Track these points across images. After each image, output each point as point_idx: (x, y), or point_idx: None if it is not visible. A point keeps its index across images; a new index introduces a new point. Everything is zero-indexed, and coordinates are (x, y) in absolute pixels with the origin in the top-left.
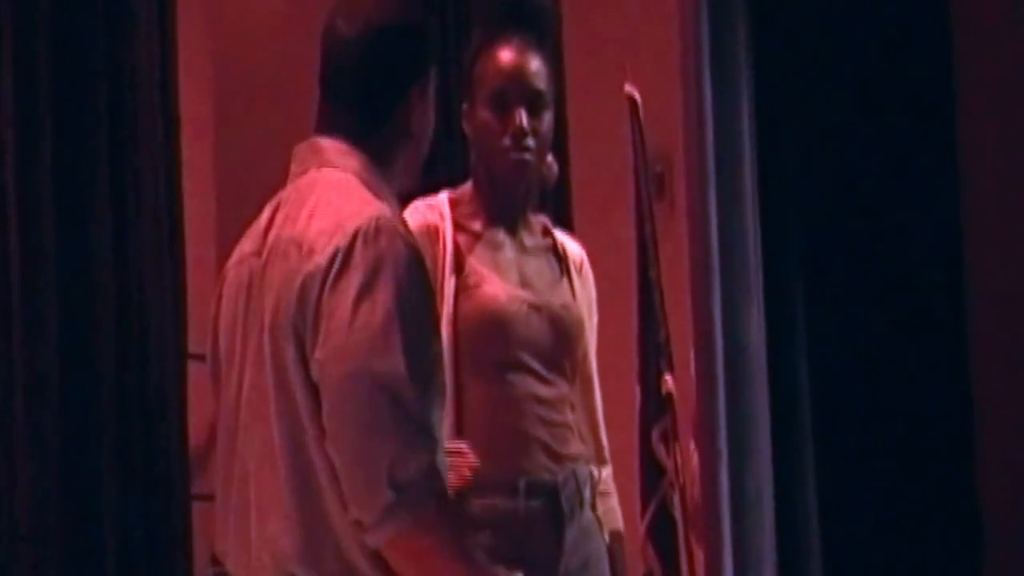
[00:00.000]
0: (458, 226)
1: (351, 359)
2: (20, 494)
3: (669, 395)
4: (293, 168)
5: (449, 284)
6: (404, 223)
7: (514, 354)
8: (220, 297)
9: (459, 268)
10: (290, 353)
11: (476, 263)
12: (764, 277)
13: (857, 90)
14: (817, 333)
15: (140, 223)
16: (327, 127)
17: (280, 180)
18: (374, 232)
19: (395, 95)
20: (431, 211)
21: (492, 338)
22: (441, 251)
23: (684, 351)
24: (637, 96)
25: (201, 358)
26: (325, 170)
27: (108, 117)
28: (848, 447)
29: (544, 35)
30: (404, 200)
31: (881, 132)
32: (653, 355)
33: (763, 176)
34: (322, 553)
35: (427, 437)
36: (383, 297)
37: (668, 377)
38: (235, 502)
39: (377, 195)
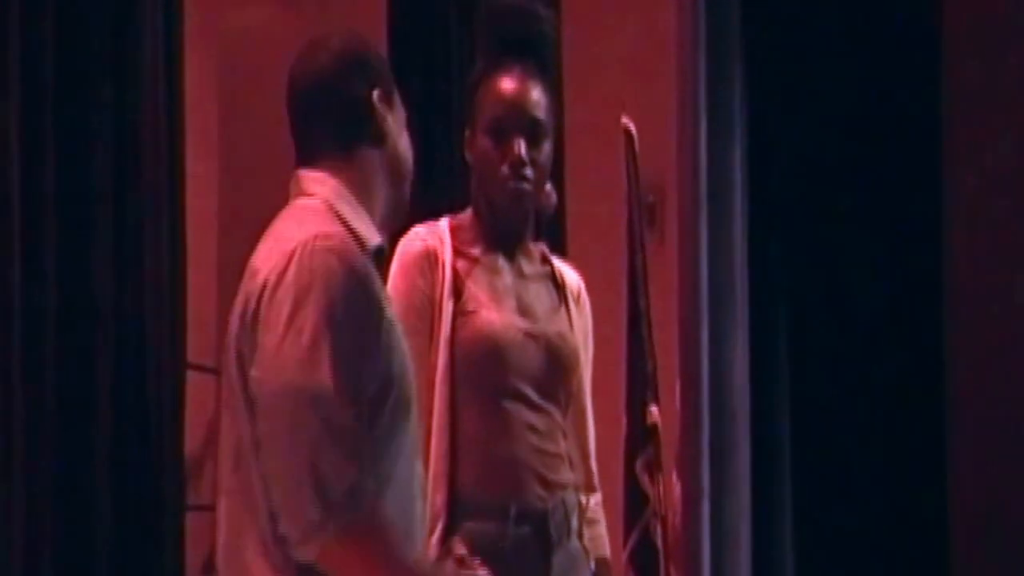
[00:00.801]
0: (457, 251)
1: (280, 376)
2: (16, 502)
3: (654, 426)
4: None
5: (447, 308)
6: (350, 242)
7: (509, 381)
8: None
9: (458, 293)
10: (235, 371)
11: (475, 288)
12: (749, 311)
13: (848, 130)
14: (800, 368)
15: (141, 232)
16: (304, 160)
17: (283, 191)
18: (309, 251)
19: (359, 106)
20: (431, 236)
21: (488, 364)
22: (440, 276)
23: (669, 382)
24: (633, 128)
25: (199, 368)
26: (299, 200)
27: (112, 132)
28: (826, 484)
29: (545, 65)
30: (405, 227)
31: (871, 172)
32: (640, 385)
33: (752, 212)
34: (252, 567)
35: (355, 454)
36: (312, 314)
37: (654, 408)
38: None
39: (344, 219)
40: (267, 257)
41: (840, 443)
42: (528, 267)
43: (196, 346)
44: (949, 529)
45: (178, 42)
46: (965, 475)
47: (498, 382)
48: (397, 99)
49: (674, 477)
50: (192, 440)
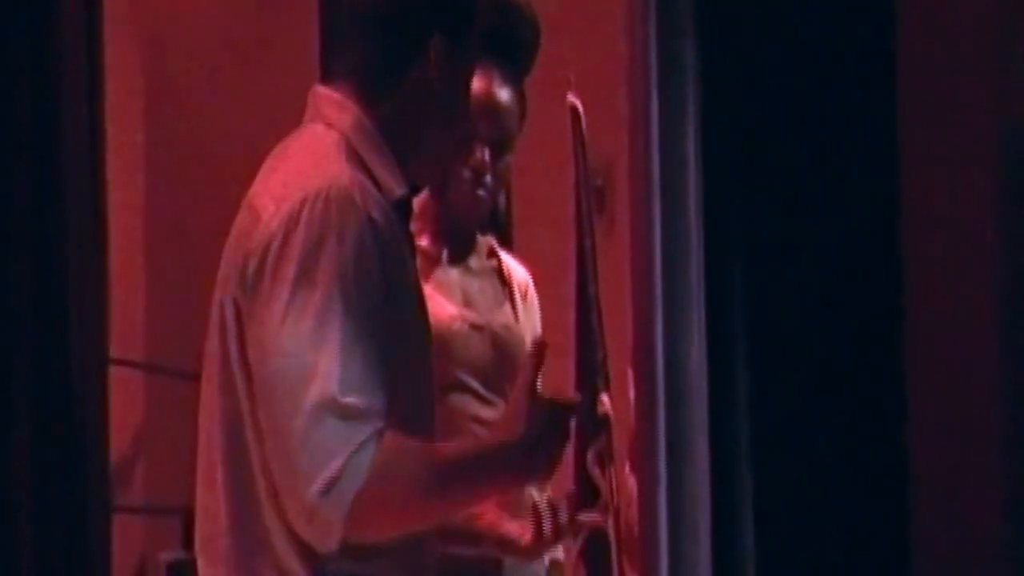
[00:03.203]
0: None
1: (281, 356)
2: None
3: (606, 415)
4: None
5: None
6: (371, 192)
7: (454, 374)
8: None
9: None
10: (233, 335)
11: (421, 280)
12: (706, 296)
13: (806, 107)
14: (757, 353)
15: (63, 224)
16: (332, 73)
17: (211, 183)
18: (321, 203)
19: (410, 39)
20: None
21: (434, 357)
22: None
23: (620, 370)
24: (580, 107)
25: (123, 363)
26: (312, 126)
27: (31, 119)
28: (787, 475)
29: (524, 69)
30: None
31: (829, 151)
32: (590, 374)
33: (708, 194)
34: (256, 558)
35: (348, 440)
36: (321, 283)
37: (605, 397)
38: (200, 498)
39: (364, 161)
40: (275, 201)
41: (799, 428)
42: (474, 261)
43: (122, 340)
44: (910, 514)
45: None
46: (925, 459)
47: (444, 374)
48: (468, 48)
49: (627, 469)
50: (119, 438)
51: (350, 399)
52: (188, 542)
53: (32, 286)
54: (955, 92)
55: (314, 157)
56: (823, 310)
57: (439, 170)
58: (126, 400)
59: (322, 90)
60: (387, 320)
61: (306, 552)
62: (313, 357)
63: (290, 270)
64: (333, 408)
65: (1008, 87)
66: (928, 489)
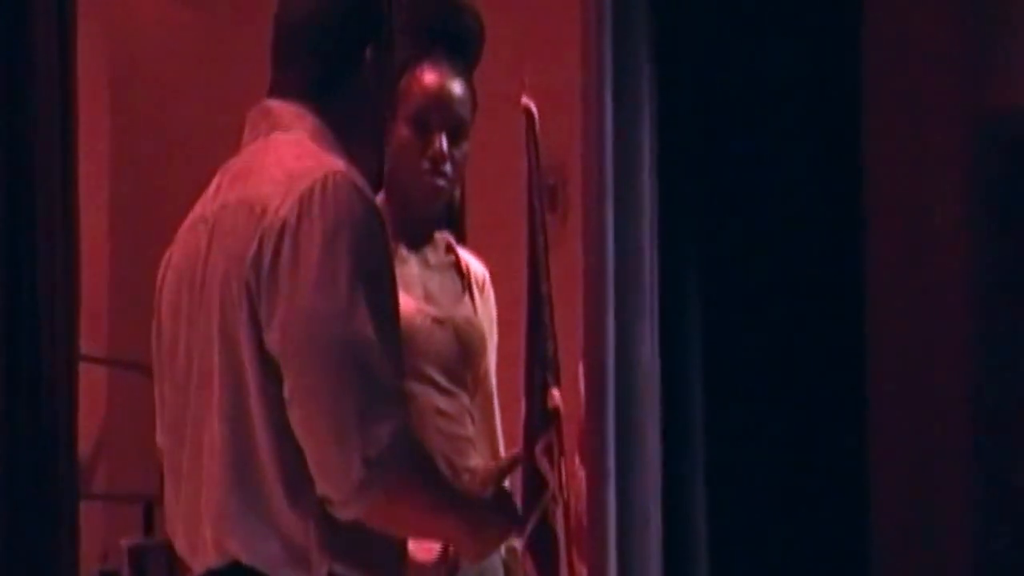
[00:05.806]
0: None
1: (316, 324)
2: None
3: (556, 409)
4: (245, 136)
5: None
6: (360, 179)
7: (417, 366)
8: (167, 266)
9: None
10: (242, 320)
11: None
12: (659, 294)
13: (762, 108)
14: (711, 352)
15: (34, 221)
16: (279, 91)
17: (175, 182)
18: (332, 188)
19: (348, 53)
20: None
21: None
22: None
23: (571, 366)
24: (533, 108)
25: (88, 360)
26: (276, 134)
27: (3, 116)
28: (740, 468)
29: (472, 62)
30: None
31: (784, 149)
32: (540, 368)
33: (661, 192)
34: (262, 533)
35: (397, 403)
36: (344, 258)
37: (555, 391)
38: (186, 482)
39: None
40: (276, 194)
41: (752, 422)
42: (433, 257)
43: (86, 336)
44: (869, 510)
45: (71, 26)
46: (883, 458)
47: (407, 367)
48: (390, 33)
49: (577, 461)
50: (83, 430)
51: (386, 365)
52: (148, 528)
53: (2, 282)
54: (923, 88)
55: (300, 154)
56: (775, 307)
57: (374, 159)
58: (90, 393)
59: (276, 104)
60: (393, 288)
61: (316, 526)
62: (350, 328)
63: (314, 243)
64: (376, 375)
65: (981, 80)
66: (883, 477)
